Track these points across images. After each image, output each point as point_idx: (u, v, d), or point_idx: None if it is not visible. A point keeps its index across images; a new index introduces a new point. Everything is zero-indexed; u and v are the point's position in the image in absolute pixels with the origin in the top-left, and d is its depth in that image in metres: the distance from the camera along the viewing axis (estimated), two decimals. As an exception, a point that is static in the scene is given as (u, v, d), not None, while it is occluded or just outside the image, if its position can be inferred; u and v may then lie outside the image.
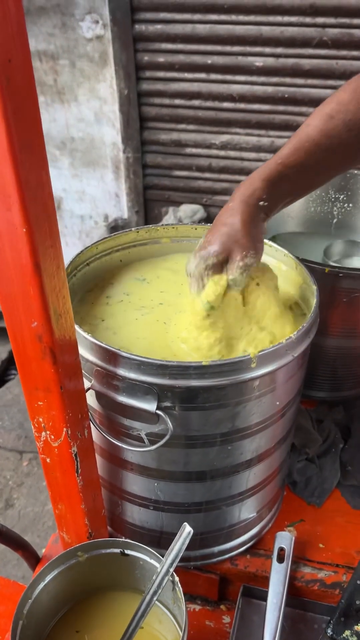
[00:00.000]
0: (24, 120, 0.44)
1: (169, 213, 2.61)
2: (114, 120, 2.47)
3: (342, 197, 1.21)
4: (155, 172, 2.59)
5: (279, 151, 0.77)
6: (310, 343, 0.75)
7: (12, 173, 0.45)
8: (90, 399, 0.73)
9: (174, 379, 0.64)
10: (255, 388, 0.68)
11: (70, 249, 2.88)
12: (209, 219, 2.55)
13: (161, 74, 2.32)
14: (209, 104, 2.33)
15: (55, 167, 2.72)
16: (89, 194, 2.78)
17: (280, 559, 0.85)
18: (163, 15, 2.17)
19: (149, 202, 2.70)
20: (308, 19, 2.03)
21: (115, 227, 2.80)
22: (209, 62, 2.22)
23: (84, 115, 2.51)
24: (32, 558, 0.89)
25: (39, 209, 0.49)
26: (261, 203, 0.75)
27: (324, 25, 2.02)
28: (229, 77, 2.24)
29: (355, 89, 0.77)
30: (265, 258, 0.93)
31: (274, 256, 0.92)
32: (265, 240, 0.92)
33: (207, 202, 2.56)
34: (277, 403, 0.74)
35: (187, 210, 2.55)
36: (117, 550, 0.75)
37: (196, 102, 2.34)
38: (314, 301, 0.76)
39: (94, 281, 0.90)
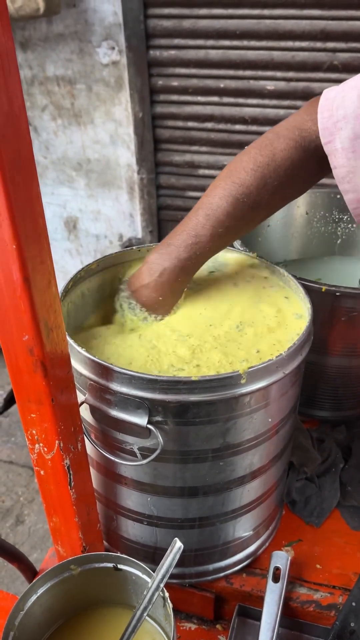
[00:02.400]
0: (13, 141, 0.46)
1: (182, 233, 2.64)
2: (128, 142, 2.53)
3: (345, 217, 1.22)
4: (169, 192, 2.63)
5: (197, 234, 0.82)
6: (303, 360, 0.75)
7: (1, 190, 0.47)
8: (85, 413, 0.74)
9: (164, 393, 0.66)
10: (245, 404, 0.69)
11: (84, 268, 2.91)
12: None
13: (175, 97, 2.37)
14: (221, 126, 2.37)
15: (71, 188, 2.78)
16: (104, 214, 2.82)
17: (276, 579, 0.85)
18: (177, 41, 2.23)
19: (163, 222, 2.74)
20: (319, 44, 2.06)
21: (129, 247, 2.83)
22: (222, 85, 2.27)
23: (99, 138, 2.57)
24: (29, 571, 0.90)
25: (28, 225, 0.51)
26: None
27: (334, 50, 2.06)
28: (241, 100, 2.28)
29: (255, 170, 0.81)
30: (270, 276, 0.94)
31: (272, 274, 0.93)
32: (264, 259, 0.94)
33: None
34: (270, 420, 0.74)
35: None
36: (110, 565, 0.76)
37: (209, 125, 2.39)
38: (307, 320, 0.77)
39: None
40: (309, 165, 0.83)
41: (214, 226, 0.82)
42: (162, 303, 0.85)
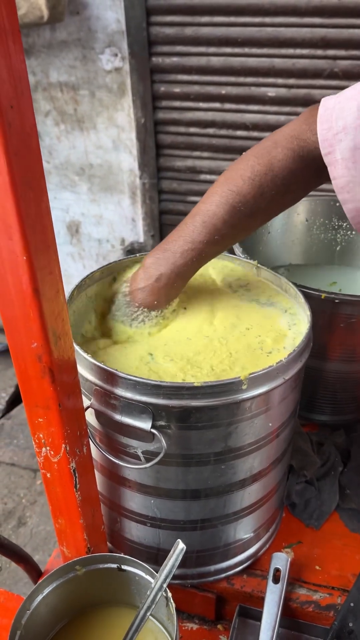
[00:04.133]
0: (24, 159, 0.49)
1: (184, 237, 2.66)
2: (131, 148, 2.55)
3: (345, 224, 1.24)
4: (171, 197, 2.66)
5: (193, 240, 0.84)
6: (303, 366, 0.77)
7: (13, 206, 0.49)
8: (91, 417, 0.76)
9: (168, 398, 0.68)
10: (247, 409, 0.71)
11: (87, 272, 2.93)
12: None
13: (177, 103, 2.39)
14: (223, 132, 2.39)
15: (74, 192, 2.81)
16: (107, 218, 2.85)
17: (276, 580, 0.86)
18: (179, 48, 2.25)
19: (165, 226, 2.76)
20: (319, 51, 2.09)
21: (131, 251, 2.86)
22: (223, 92, 2.29)
23: (102, 143, 2.60)
24: (34, 572, 0.92)
25: (38, 238, 0.54)
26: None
27: (334, 57, 2.08)
28: (242, 106, 2.31)
29: (252, 179, 0.82)
30: (264, 284, 0.96)
31: (273, 281, 0.95)
32: (263, 267, 0.96)
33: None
34: (270, 424, 0.76)
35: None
36: (114, 565, 0.78)
37: (210, 131, 2.41)
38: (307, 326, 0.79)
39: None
40: (307, 174, 0.85)
41: (211, 233, 0.83)
42: (156, 306, 0.87)
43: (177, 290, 0.88)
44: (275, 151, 0.83)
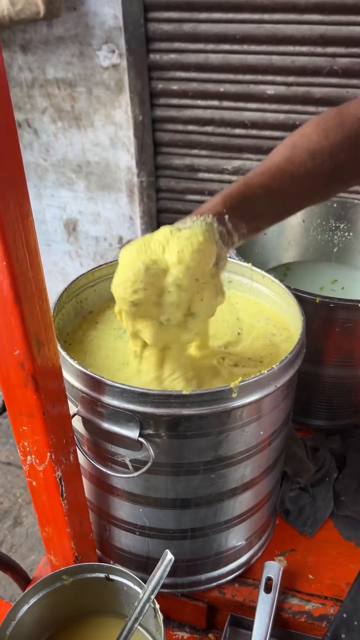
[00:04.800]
0: (3, 159, 0.47)
1: (182, 236, 2.64)
2: (128, 145, 2.53)
3: (342, 225, 1.23)
4: (169, 196, 2.63)
5: (249, 176, 0.77)
6: (296, 373, 0.75)
7: (-9, 210, 0.47)
8: (78, 425, 0.74)
9: (156, 407, 0.66)
10: (237, 417, 0.69)
11: (84, 270, 2.92)
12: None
13: (175, 101, 2.37)
14: (221, 130, 2.37)
15: (71, 190, 2.79)
16: (104, 217, 2.83)
17: (268, 589, 0.85)
18: (177, 45, 2.23)
19: (162, 225, 2.74)
20: (319, 49, 2.06)
21: (128, 249, 2.84)
22: (222, 89, 2.27)
23: (99, 140, 2.57)
24: (22, 580, 0.90)
25: (19, 243, 0.52)
26: (220, 229, 0.72)
27: (334, 55, 2.05)
28: (241, 104, 2.28)
29: (318, 123, 0.81)
30: (258, 287, 0.94)
31: (267, 286, 0.93)
32: (258, 270, 0.94)
33: (219, 226, 2.59)
34: (262, 433, 0.74)
35: (199, 233, 2.58)
36: (102, 575, 0.76)
37: (209, 129, 2.38)
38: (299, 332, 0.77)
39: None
40: None
41: (269, 169, 0.77)
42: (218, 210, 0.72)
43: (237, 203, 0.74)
44: (348, 107, 0.82)
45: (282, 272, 1.24)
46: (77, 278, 0.89)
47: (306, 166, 0.78)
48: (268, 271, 0.91)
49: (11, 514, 2.42)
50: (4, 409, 2.94)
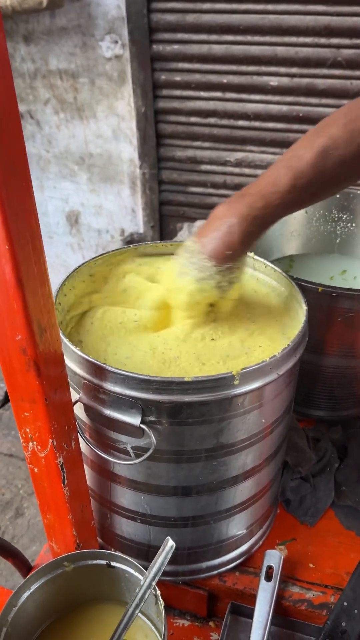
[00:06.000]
0: (6, 146, 0.47)
1: (184, 229, 2.64)
2: (131, 137, 2.52)
3: (345, 216, 1.22)
4: (171, 188, 2.63)
5: (276, 183, 0.77)
6: (298, 361, 0.75)
7: (-7, 193, 0.47)
8: (80, 412, 0.74)
9: (158, 393, 0.66)
10: (239, 405, 0.69)
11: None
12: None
13: (178, 92, 2.36)
14: (224, 122, 2.36)
15: (73, 182, 2.78)
16: (106, 209, 2.82)
17: (268, 578, 0.85)
18: (180, 35, 2.22)
19: (165, 217, 2.74)
20: (322, 40, 2.05)
21: (131, 241, 2.84)
22: (225, 81, 2.26)
23: (102, 132, 2.56)
24: (24, 567, 0.90)
25: (22, 227, 0.52)
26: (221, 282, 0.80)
27: (338, 46, 2.04)
28: (244, 96, 2.27)
29: (346, 124, 0.78)
30: (261, 276, 0.94)
31: (269, 275, 0.93)
32: (260, 259, 0.93)
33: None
34: (264, 420, 0.74)
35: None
36: (103, 562, 0.76)
37: (212, 120, 2.38)
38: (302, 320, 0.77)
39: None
40: None
41: (296, 177, 0.77)
42: (230, 257, 0.78)
43: (253, 238, 0.79)
44: None
45: (286, 263, 1.24)
46: (77, 267, 0.89)
47: (334, 173, 0.79)
48: (272, 263, 0.91)
49: (13, 505, 2.43)
50: (5, 401, 2.94)
